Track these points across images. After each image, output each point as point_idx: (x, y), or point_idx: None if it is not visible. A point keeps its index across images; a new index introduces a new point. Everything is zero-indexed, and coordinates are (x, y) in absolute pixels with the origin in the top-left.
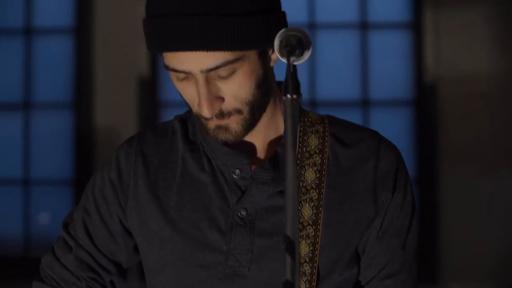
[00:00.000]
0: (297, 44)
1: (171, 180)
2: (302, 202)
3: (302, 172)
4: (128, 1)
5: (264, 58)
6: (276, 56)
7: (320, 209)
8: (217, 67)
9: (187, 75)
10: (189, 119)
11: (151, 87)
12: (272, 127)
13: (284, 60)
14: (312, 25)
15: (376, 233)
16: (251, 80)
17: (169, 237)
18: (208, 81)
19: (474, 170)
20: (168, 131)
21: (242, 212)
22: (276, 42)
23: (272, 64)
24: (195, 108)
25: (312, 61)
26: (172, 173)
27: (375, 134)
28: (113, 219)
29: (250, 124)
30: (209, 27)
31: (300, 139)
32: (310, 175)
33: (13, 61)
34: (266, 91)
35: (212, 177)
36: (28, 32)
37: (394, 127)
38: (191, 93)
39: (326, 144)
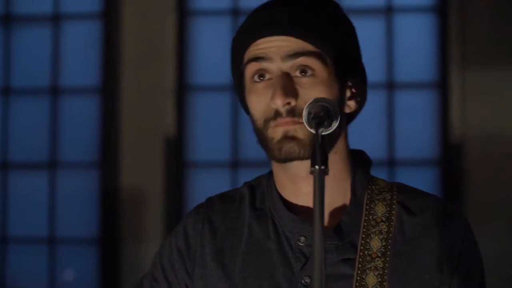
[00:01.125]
0: (325, 115)
1: (237, 247)
2: (367, 271)
3: (368, 240)
4: (155, 60)
5: (342, 88)
6: (354, 106)
7: (385, 277)
8: (297, 54)
9: (267, 73)
10: (257, 187)
11: (177, 147)
12: (338, 188)
13: (312, 131)
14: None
15: None
16: (327, 94)
17: None
18: (286, 76)
19: (501, 229)
20: (236, 198)
21: (306, 280)
22: (305, 113)
23: (347, 109)
24: (265, 116)
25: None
26: (238, 240)
27: (439, 200)
28: (181, 286)
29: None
30: (300, 17)
31: (367, 207)
32: (376, 243)
33: (40, 120)
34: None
35: (277, 244)
36: (55, 91)
37: (420, 186)
38: (266, 97)
39: (393, 212)
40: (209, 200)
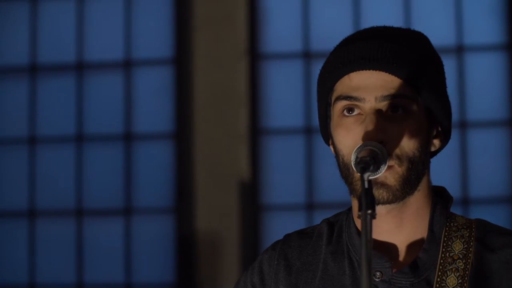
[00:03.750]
0: (372, 159)
1: (311, 283)
2: None
3: (444, 278)
4: (227, 104)
5: (430, 126)
6: (438, 144)
7: None
8: (393, 96)
9: (357, 108)
10: (336, 223)
11: (252, 191)
12: (417, 224)
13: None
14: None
15: None
16: (417, 137)
17: None
18: (378, 113)
19: None
20: (314, 234)
21: None
22: (353, 157)
23: (432, 148)
24: (350, 154)
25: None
26: (313, 275)
27: None
28: None
29: (407, 183)
30: (394, 52)
31: (444, 244)
32: (452, 281)
33: (115, 166)
34: (424, 162)
35: (352, 279)
36: (129, 138)
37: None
38: (355, 133)
39: (471, 249)
40: (287, 236)
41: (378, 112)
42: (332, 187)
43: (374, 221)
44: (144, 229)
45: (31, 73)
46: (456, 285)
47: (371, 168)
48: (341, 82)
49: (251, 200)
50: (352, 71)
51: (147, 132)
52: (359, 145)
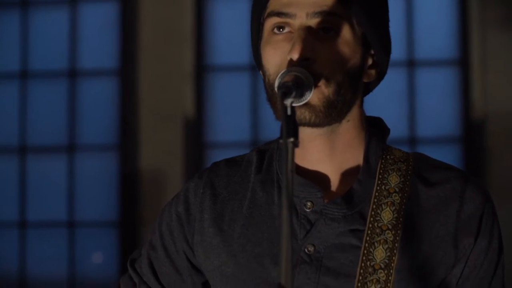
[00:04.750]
0: (295, 85)
1: (237, 212)
2: (376, 244)
3: (379, 211)
4: (173, 42)
5: (364, 54)
6: (373, 76)
7: (395, 251)
8: (325, 13)
9: (287, 26)
10: (267, 151)
11: (196, 128)
12: (349, 155)
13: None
14: None
15: (456, 281)
16: (348, 61)
17: (230, 272)
18: (308, 30)
19: None
20: (243, 162)
21: (309, 248)
22: (277, 83)
23: (365, 78)
24: (279, 70)
25: None
26: (239, 204)
27: (462, 174)
28: (180, 255)
29: (331, 106)
30: None
31: (380, 176)
32: (387, 215)
33: (58, 104)
34: (354, 90)
35: (281, 209)
36: (73, 74)
37: None
38: (283, 50)
39: (408, 183)
40: (214, 164)
41: (308, 29)
42: (277, 124)
43: (303, 150)
44: (88, 166)
45: None
46: (391, 219)
47: (294, 94)
48: (273, 0)
49: (196, 138)
50: None
51: (91, 68)
52: (284, 70)
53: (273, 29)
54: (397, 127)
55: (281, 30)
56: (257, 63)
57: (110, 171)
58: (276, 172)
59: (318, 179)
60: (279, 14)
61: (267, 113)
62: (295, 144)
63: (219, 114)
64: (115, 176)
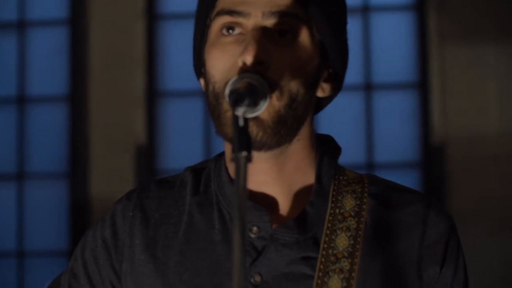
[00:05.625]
0: (248, 92)
1: (172, 238)
2: (330, 273)
3: (333, 237)
4: (123, 66)
5: (321, 64)
6: (328, 91)
7: (352, 282)
8: (282, 13)
9: (238, 27)
10: (203, 170)
11: (148, 155)
12: (299, 177)
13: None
14: None
15: None
16: (304, 70)
17: None
18: (263, 31)
19: (483, 232)
20: (176, 183)
21: (256, 278)
22: (227, 91)
23: (319, 92)
24: (228, 78)
25: (315, 123)
26: (174, 229)
27: (424, 197)
28: (105, 285)
29: (281, 122)
30: None
31: (334, 199)
32: (342, 241)
33: (6, 130)
34: (307, 105)
35: (222, 235)
36: (22, 100)
37: None
38: (232, 55)
39: (364, 206)
40: (144, 185)
41: (262, 30)
42: None
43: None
44: (37, 194)
45: None
46: (347, 247)
47: (246, 102)
48: None
49: (147, 165)
50: None
51: (40, 95)
52: (235, 77)
53: (221, 29)
54: (354, 152)
55: (230, 31)
56: (196, 71)
57: (61, 200)
58: (215, 193)
59: (265, 202)
60: (230, 12)
61: (220, 139)
62: (249, 159)
63: (171, 140)
64: (65, 205)
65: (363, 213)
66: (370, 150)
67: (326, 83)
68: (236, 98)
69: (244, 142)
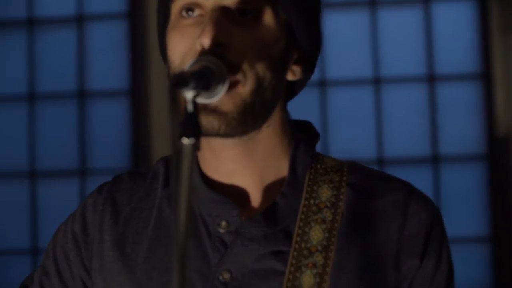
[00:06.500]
0: (196, 75)
1: (142, 233)
2: (303, 268)
3: (307, 229)
4: None
5: (289, 46)
6: (299, 73)
7: (326, 277)
8: None
9: (198, 8)
10: None
11: None
12: (272, 166)
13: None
14: (377, 80)
15: None
16: (270, 51)
17: None
18: (223, 11)
19: None
20: (149, 175)
21: (224, 275)
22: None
23: (289, 75)
24: (186, 61)
25: (378, 117)
26: (145, 224)
27: (405, 185)
28: (76, 282)
29: (248, 112)
30: None
31: (309, 189)
32: (316, 234)
33: (68, 126)
34: (276, 90)
35: (191, 231)
36: (82, 95)
37: (465, 182)
38: (191, 37)
39: (341, 196)
40: (116, 177)
41: (222, 10)
42: None
43: (215, 159)
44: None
45: None
46: (322, 240)
47: (192, 85)
48: None
49: None
50: None
51: (101, 89)
52: (192, 60)
53: (181, 11)
54: (418, 145)
55: (190, 13)
56: (162, 55)
57: None
58: None
59: (235, 194)
60: None
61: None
62: (197, 147)
63: None
64: None
65: (340, 204)
66: (435, 143)
67: (297, 66)
68: (176, 82)
69: (190, 129)
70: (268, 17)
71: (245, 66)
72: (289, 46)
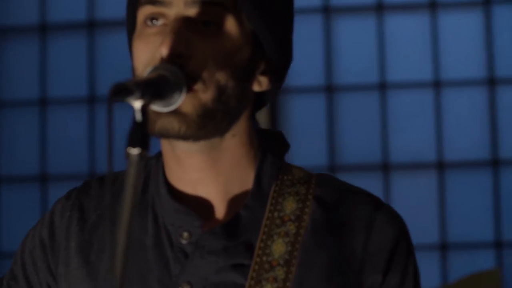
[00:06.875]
0: (142, 85)
1: (107, 241)
2: (263, 282)
3: (269, 243)
4: None
5: (255, 56)
6: (266, 84)
7: None
8: (205, 1)
9: (162, 18)
10: (144, 169)
11: None
12: (237, 177)
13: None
14: (437, 83)
15: None
16: (233, 61)
17: None
18: (184, 22)
19: None
20: (118, 180)
21: (185, 287)
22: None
23: (256, 86)
24: (144, 72)
25: (438, 120)
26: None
27: (373, 199)
28: (43, 287)
29: (208, 116)
30: None
31: (273, 201)
32: (278, 247)
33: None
34: (240, 99)
35: (155, 240)
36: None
37: None
38: (154, 45)
39: (306, 209)
40: (85, 183)
41: (184, 21)
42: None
43: (179, 168)
44: None
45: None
46: (284, 254)
47: (138, 94)
48: None
49: None
50: None
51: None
52: (149, 69)
53: (146, 20)
54: (478, 148)
55: (154, 21)
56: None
57: None
58: (151, 195)
59: (199, 205)
60: (153, 2)
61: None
62: (144, 157)
63: (294, 137)
64: None
65: (304, 217)
66: (495, 146)
67: (263, 76)
68: (116, 91)
69: (139, 138)
70: (231, 26)
71: (205, 76)
72: (255, 56)
